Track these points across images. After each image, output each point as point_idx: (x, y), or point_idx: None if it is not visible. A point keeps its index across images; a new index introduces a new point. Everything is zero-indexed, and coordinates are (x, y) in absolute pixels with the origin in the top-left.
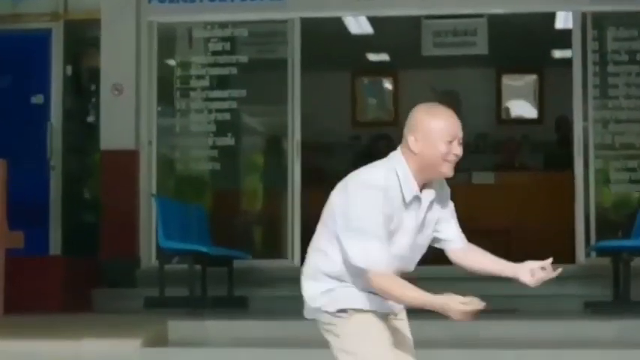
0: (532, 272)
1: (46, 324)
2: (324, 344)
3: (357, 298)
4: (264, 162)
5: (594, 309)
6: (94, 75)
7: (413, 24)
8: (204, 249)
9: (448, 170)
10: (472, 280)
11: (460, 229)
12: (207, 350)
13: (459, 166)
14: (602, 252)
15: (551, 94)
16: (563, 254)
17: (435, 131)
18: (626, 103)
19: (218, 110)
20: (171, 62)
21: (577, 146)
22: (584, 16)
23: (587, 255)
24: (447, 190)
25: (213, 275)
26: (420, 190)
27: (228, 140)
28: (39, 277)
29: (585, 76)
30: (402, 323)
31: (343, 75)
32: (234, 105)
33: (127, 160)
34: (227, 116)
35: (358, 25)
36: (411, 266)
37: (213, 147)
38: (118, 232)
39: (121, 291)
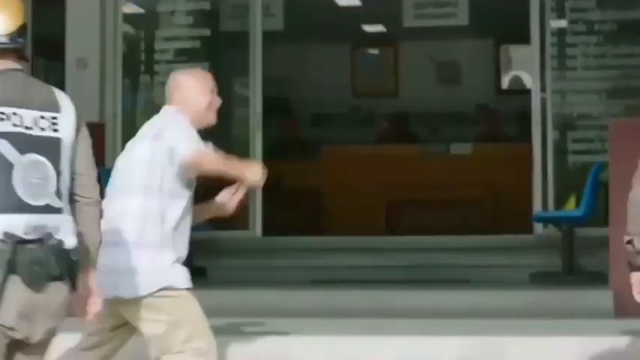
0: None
1: None
2: None
3: None
4: None
5: (541, 279)
6: None
7: None
8: None
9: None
10: (424, 251)
11: None
12: None
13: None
14: (554, 223)
15: None
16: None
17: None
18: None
19: None
20: None
21: (535, 117)
22: None
23: (545, 226)
24: None
25: None
26: None
27: None
28: None
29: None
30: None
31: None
32: None
33: None
34: None
35: None
36: None
37: None
38: None
39: None
